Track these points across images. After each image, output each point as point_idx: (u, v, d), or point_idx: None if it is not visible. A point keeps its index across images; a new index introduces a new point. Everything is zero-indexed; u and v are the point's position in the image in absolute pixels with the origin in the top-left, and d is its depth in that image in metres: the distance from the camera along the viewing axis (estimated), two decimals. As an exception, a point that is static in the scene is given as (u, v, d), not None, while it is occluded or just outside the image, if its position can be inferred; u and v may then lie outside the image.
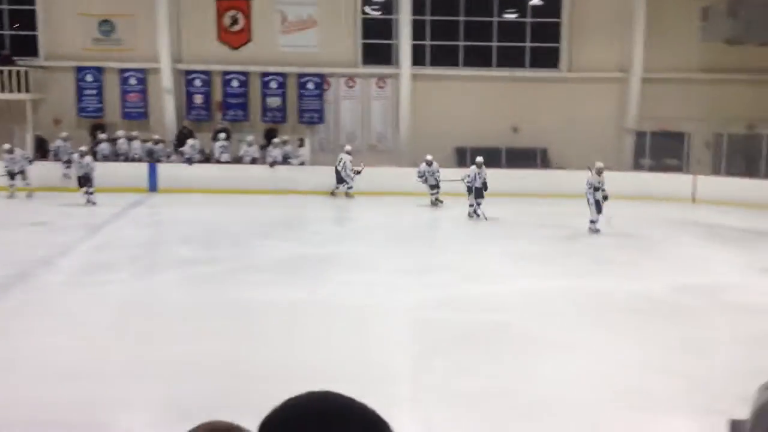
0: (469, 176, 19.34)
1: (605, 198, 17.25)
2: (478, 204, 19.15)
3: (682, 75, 24.80)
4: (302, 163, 24.11)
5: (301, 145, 24.47)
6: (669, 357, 10.09)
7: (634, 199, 21.40)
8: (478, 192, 19.16)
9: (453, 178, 20.50)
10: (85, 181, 20.32)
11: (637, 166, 24.27)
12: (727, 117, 24.01)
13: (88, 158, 20.71)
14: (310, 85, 25.62)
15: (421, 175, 21.44)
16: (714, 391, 8.77)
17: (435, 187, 21.42)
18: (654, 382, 9.26)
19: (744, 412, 1.24)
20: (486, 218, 18.81)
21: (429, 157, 21.54)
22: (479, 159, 19.71)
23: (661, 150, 24.31)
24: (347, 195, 22.51)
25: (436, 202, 21.37)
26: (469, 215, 19.30)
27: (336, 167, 22.59)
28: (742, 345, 10.62)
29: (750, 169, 22.52)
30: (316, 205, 20.96)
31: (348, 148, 22.97)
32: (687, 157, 24.27)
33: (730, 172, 22.66)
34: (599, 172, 17.31)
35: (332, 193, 22.63)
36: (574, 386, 9.13)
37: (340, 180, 22.54)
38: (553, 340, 10.66)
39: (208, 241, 16.70)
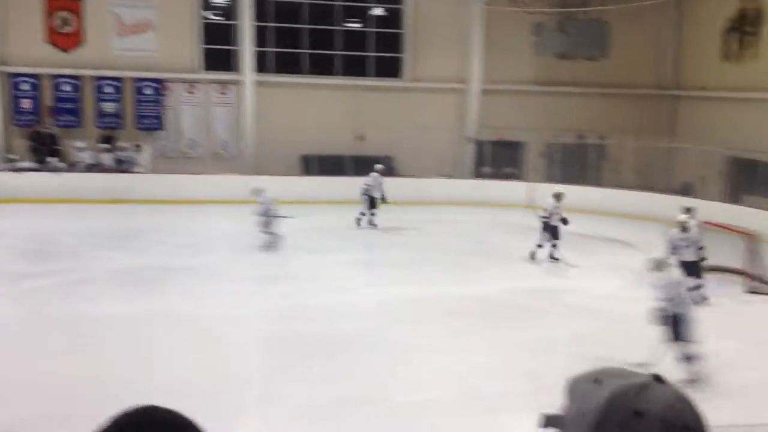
0: (547, 210, 16.37)
1: (565, 222, 16.15)
2: (554, 246, 16.30)
3: (518, 87, 25.87)
4: (141, 171, 23.15)
5: (140, 151, 23.50)
6: (516, 357, 10.41)
7: (476, 206, 22.06)
8: (554, 231, 16.33)
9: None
10: None
11: (478, 174, 25.06)
12: (560, 127, 25.29)
13: None
14: (148, 91, 24.64)
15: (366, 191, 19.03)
16: (556, 389, 9.10)
17: (373, 206, 19.01)
18: (504, 383, 9.51)
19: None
20: (556, 259, 16.23)
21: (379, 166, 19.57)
22: (558, 190, 16.73)
23: (500, 158, 25.25)
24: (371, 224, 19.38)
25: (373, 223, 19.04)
26: (551, 257, 16.37)
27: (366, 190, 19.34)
28: (581, 343, 11.13)
29: (581, 177, 23.76)
30: (157, 214, 20.08)
31: (379, 167, 19.95)
32: (523, 166, 25.34)
33: (563, 179, 23.79)
34: (559, 198, 16.23)
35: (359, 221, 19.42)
36: (428, 390, 9.22)
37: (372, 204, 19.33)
38: (406, 345, 10.74)
39: (40, 253, 15.65)
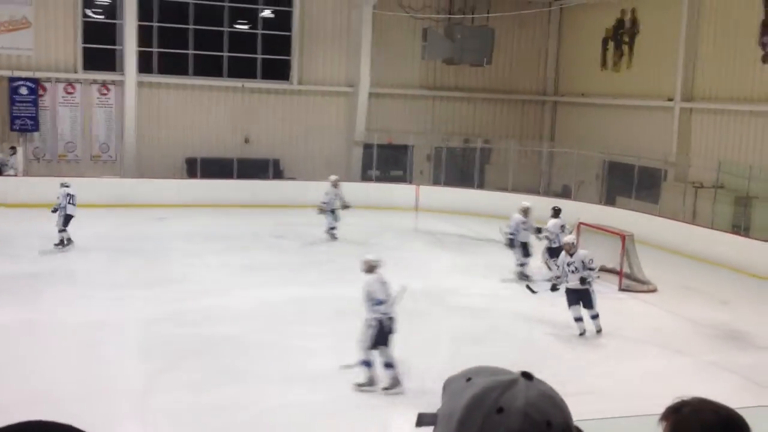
0: (510, 226, 15.38)
1: (539, 232, 15.38)
2: (522, 264, 15.32)
3: (406, 91, 26.10)
4: (14, 174, 22.06)
5: (13, 153, 22.38)
6: (398, 358, 10.40)
7: (363, 209, 22.05)
8: (524, 248, 15.37)
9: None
10: None
11: (366, 177, 25.11)
12: (446, 131, 25.68)
13: None
14: (23, 90, 23.55)
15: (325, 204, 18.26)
16: (437, 389, 9.14)
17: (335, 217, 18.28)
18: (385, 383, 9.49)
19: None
20: (534, 291, 13.57)
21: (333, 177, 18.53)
22: (525, 204, 15.65)
23: (388, 162, 25.39)
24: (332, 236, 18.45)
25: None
26: (520, 277, 15.16)
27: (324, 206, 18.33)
28: (462, 342, 11.27)
29: (465, 180, 24.19)
30: (29, 219, 19.08)
31: (333, 177, 18.77)
32: (410, 169, 25.57)
33: (448, 182, 24.18)
34: (526, 213, 15.31)
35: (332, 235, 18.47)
36: (308, 392, 9.13)
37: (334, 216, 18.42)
38: (286, 347, 10.63)
39: None
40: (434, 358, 10.60)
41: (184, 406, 8.59)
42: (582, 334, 11.96)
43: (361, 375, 9.26)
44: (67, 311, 11.89)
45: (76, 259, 15.41)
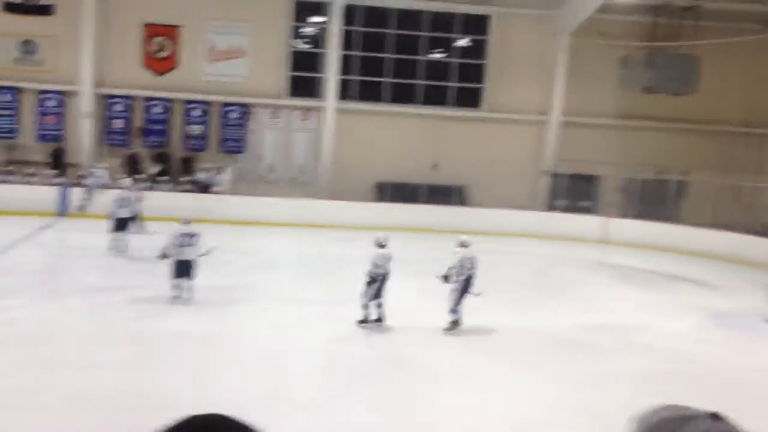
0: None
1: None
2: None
3: (599, 120, 25.50)
4: (220, 192, 23.82)
5: (219, 173, 24.18)
6: (576, 393, 10.21)
7: (548, 239, 21.77)
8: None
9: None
10: None
11: (552, 207, 24.73)
12: (638, 162, 24.78)
13: None
14: (234, 114, 25.41)
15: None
16: (617, 427, 8.86)
17: None
18: (562, 418, 9.34)
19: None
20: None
21: None
22: (465, 239, 12.85)
23: (575, 192, 24.87)
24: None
25: None
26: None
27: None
28: (645, 382, 10.83)
29: (658, 213, 23.18)
30: (230, 234, 20.48)
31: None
32: (599, 200, 24.89)
33: (640, 215, 23.28)
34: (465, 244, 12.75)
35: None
36: (483, 422, 9.14)
37: None
38: (464, 376, 10.68)
39: (114, 268, 16.22)
40: (612, 395, 10.28)
41: (353, 422, 8.86)
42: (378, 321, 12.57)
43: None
44: (255, 324, 12.59)
45: (271, 275, 16.33)
